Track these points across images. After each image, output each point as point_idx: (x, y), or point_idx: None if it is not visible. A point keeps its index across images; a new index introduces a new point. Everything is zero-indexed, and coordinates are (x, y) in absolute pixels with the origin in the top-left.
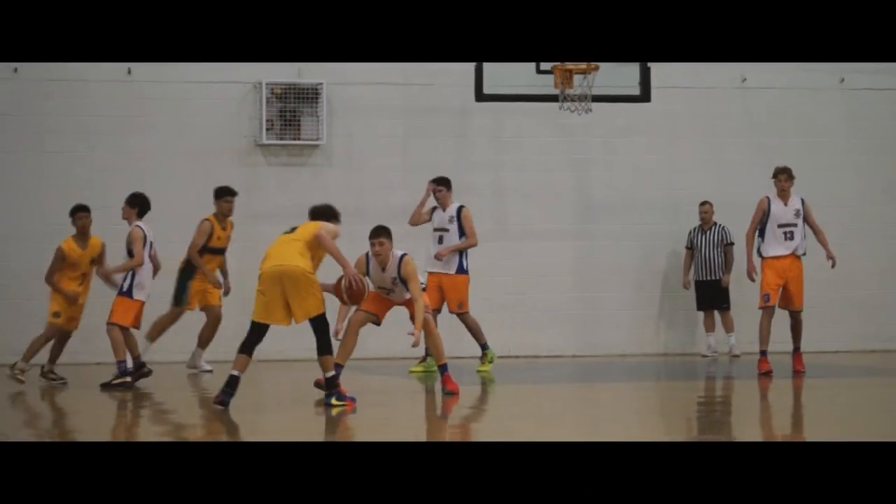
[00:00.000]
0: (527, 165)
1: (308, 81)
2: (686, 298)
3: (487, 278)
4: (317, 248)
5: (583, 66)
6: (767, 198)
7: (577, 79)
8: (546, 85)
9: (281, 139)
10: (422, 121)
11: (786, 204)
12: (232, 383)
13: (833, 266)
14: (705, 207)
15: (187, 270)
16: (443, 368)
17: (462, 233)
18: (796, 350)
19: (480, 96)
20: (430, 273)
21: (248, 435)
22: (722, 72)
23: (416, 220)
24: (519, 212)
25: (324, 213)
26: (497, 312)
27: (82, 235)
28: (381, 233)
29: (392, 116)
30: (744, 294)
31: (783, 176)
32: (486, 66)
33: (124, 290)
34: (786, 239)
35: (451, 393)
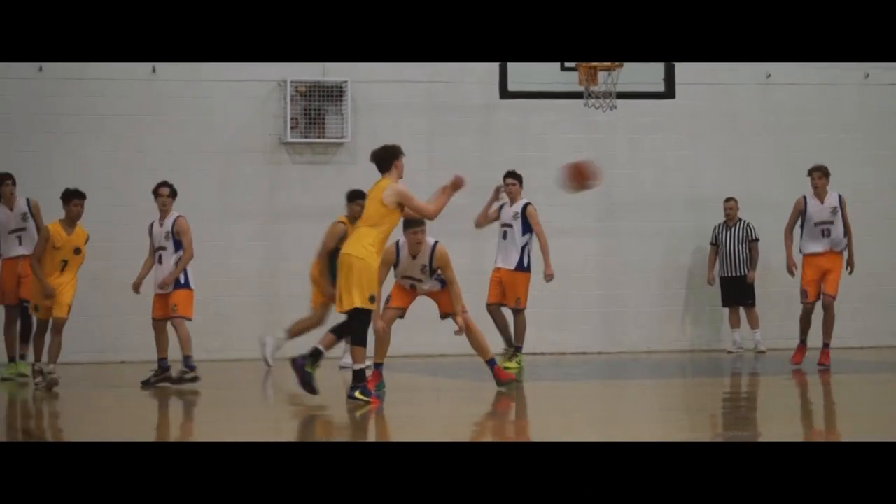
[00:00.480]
0: (551, 162)
1: (332, 79)
2: (711, 295)
3: None
4: (389, 212)
5: (607, 63)
6: (804, 197)
7: (601, 76)
8: (571, 82)
9: (305, 137)
10: (446, 118)
11: (822, 202)
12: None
13: (851, 272)
14: (730, 203)
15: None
16: (491, 363)
17: (526, 229)
18: (825, 346)
19: (505, 93)
20: (495, 268)
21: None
22: (746, 68)
23: (482, 221)
24: (543, 209)
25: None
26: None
27: (70, 222)
28: (418, 222)
29: (416, 114)
30: (768, 290)
31: (817, 174)
32: (511, 63)
33: (182, 282)
34: (823, 236)
35: (507, 382)
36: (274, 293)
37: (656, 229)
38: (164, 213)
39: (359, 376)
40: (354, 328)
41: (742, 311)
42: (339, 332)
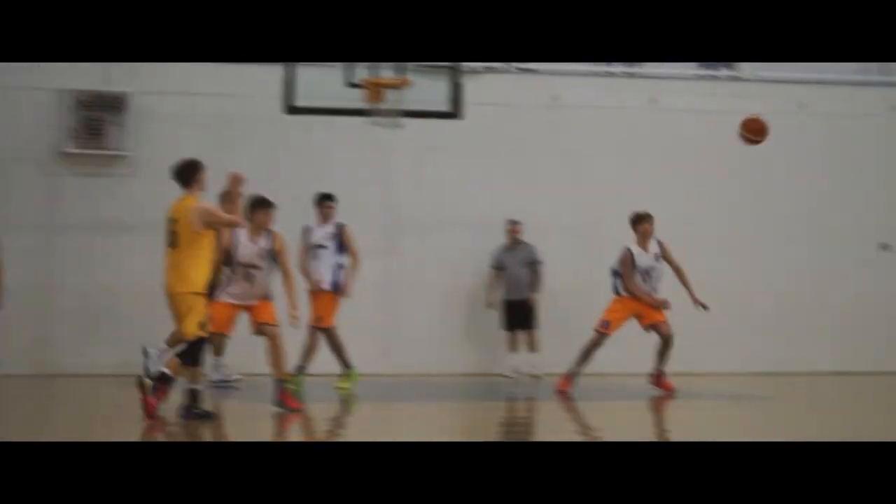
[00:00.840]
0: (336, 180)
1: (115, 89)
2: (493, 318)
3: None
4: (201, 235)
5: (395, 80)
6: (628, 248)
7: (388, 94)
8: (358, 99)
9: (85, 149)
10: (232, 132)
11: (646, 250)
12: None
13: (706, 309)
14: (514, 227)
15: None
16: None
17: (342, 249)
18: (661, 372)
19: (290, 109)
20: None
21: None
22: (534, 90)
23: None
24: None
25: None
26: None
27: None
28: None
29: (202, 127)
30: (552, 315)
31: (647, 223)
32: (298, 77)
33: None
34: (644, 281)
35: (287, 406)
36: (48, 308)
37: (439, 251)
38: None
39: (194, 395)
40: (190, 353)
41: (524, 334)
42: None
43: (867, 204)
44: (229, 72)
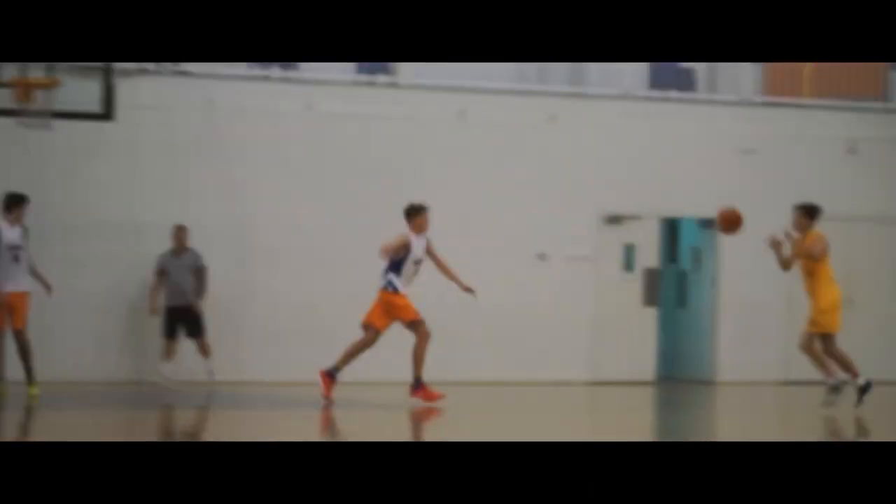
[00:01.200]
0: None
1: None
2: (156, 324)
3: None
4: None
5: (45, 80)
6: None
7: (38, 94)
8: (6, 99)
9: None
10: None
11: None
12: None
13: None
14: (180, 231)
15: None
16: None
17: None
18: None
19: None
20: None
21: None
22: (189, 92)
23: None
24: None
25: None
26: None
27: None
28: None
29: None
30: (219, 321)
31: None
32: None
33: None
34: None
35: None
36: None
37: (96, 256)
38: None
39: None
40: None
41: (190, 342)
42: None
43: (525, 214)
44: None
